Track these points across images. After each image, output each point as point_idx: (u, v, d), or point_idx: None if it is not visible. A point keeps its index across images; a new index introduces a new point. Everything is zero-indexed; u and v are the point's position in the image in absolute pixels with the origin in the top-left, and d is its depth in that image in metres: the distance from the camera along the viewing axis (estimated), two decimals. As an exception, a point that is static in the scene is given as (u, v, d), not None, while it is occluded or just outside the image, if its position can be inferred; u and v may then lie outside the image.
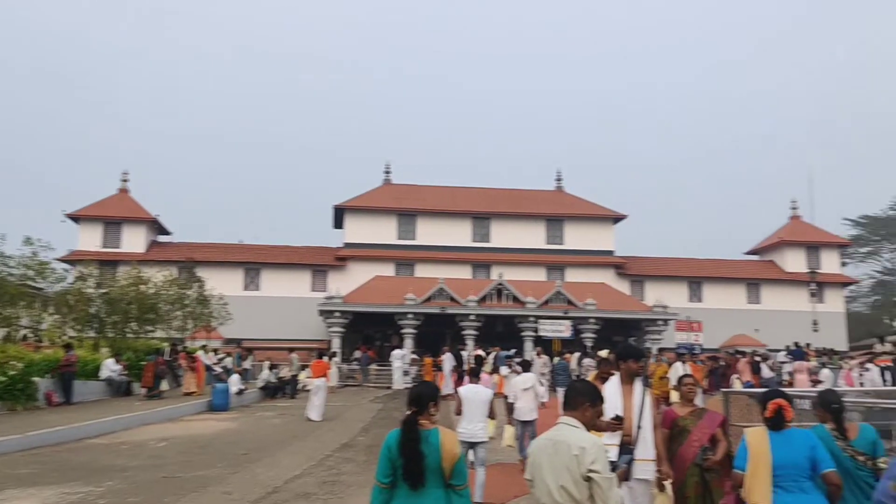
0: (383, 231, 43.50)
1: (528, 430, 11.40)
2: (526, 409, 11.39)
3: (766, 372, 22.17)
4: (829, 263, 46.82)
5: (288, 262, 42.27)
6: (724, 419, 6.35)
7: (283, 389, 26.15)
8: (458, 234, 44.06)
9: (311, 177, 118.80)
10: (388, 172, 47.49)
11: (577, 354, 26.92)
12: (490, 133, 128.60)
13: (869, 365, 21.46)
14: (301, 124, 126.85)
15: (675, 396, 18.91)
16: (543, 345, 33.37)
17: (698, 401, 17.81)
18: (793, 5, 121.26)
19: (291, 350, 29.55)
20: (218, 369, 25.77)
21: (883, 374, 21.03)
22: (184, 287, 30.11)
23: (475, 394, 8.96)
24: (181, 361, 24.75)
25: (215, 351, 28.10)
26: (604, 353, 12.76)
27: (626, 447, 5.59)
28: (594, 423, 3.91)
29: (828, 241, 47.72)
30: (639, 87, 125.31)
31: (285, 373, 27.29)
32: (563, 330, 34.42)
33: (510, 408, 11.63)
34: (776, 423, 4.70)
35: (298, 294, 41.08)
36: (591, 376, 8.45)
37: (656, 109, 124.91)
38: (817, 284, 42.47)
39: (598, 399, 3.88)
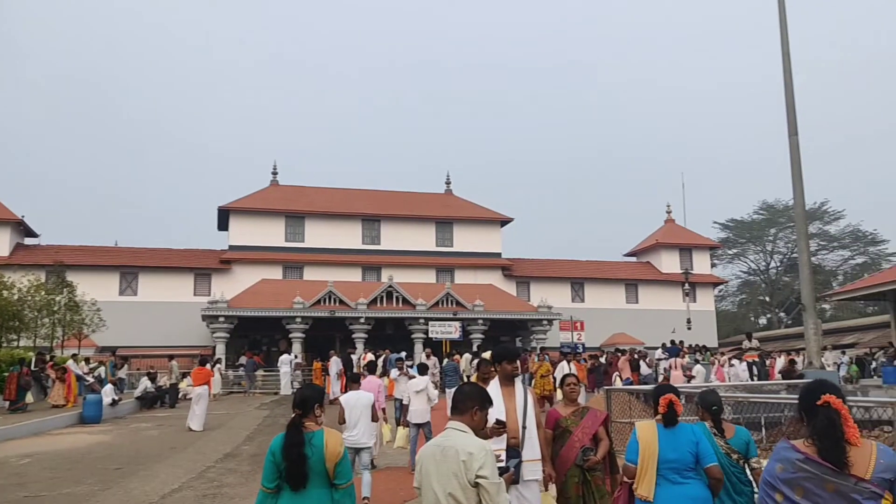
0: (270, 233, 42.45)
1: (423, 431, 11.52)
2: (419, 411, 11.55)
3: (644, 369, 23.14)
4: (701, 264, 49.51)
5: (168, 265, 40.47)
6: (607, 417, 6.31)
7: (163, 399, 25.02)
8: (348, 236, 43.62)
9: (195, 177, 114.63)
10: (275, 174, 46.43)
11: (467, 355, 27.17)
12: (380, 135, 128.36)
13: (734, 361, 22.82)
14: (186, 122, 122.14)
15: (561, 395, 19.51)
16: (433, 346, 33.51)
17: (582, 400, 18.33)
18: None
19: (171, 357, 28.33)
20: (90, 379, 24.33)
21: (750, 369, 22.36)
22: (52, 293, 28.30)
23: (357, 399, 8.99)
24: (49, 372, 23.19)
25: (87, 360, 26.52)
26: (487, 354, 12.97)
27: (514, 450, 5.49)
28: (483, 428, 3.88)
29: (699, 243, 50.44)
30: (529, 91, 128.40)
31: (164, 381, 26.12)
32: (452, 331, 34.74)
33: (404, 410, 11.75)
34: (670, 417, 4.79)
35: (180, 299, 39.45)
36: (472, 378, 8.50)
37: (544, 116, 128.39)
38: (690, 284, 44.76)
39: (486, 402, 3.81)
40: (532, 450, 5.59)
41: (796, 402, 3.23)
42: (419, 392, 11.55)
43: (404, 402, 11.86)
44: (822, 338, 24.75)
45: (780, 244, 63.27)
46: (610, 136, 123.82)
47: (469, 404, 3.75)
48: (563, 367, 17.15)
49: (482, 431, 4.77)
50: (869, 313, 49.71)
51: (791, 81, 22.52)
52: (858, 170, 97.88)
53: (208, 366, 20.26)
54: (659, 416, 4.86)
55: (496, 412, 5.37)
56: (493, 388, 5.68)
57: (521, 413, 5.61)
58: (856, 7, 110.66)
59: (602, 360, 24.85)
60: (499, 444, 5.39)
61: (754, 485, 4.95)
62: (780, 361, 23.69)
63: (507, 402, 5.64)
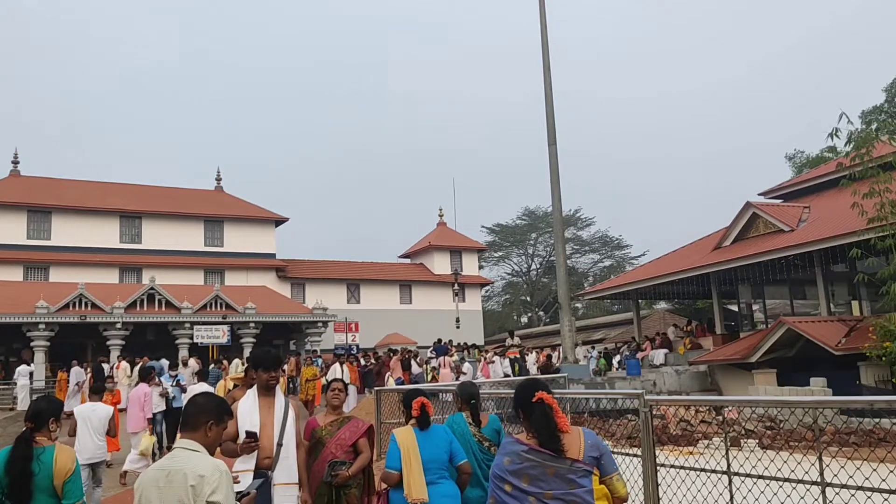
0: (9, 230, 37.74)
1: None
2: None
3: (415, 368, 23.59)
4: (470, 266, 51.79)
5: None
6: (370, 427, 5.79)
7: None
8: (104, 234, 40.01)
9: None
10: (16, 163, 41.43)
11: (236, 361, 25.96)
12: (147, 126, 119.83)
13: (495, 357, 24.05)
14: None
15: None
16: (200, 352, 31.70)
17: (353, 400, 18.03)
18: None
19: None
20: None
21: (512, 366, 23.62)
22: None
23: (92, 412, 8.22)
24: None
25: None
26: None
27: (264, 470, 4.86)
28: (229, 446, 3.44)
29: (469, 246, 52.76)
30: (304, 89, 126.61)
31: None
32: (220, 336, 33.08)
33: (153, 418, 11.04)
34: (424, 420, 4.95)
35: None
36: (222, 385, 7.92)
37: (321, 115, 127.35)
38: (460, 285, 46.65)
39: (224, 415, 3.29)
40: (287, 471, 4.97)
41: (556, 396, 3.55)
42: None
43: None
44: (575, 334, 26.84)
45: (540, 248, 67.90)
46: (388, 140, 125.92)
47: (202, 418, 3.21)
48: (336, 370, 16.90)
49: (233, 447, 4.33)
50: (615, 311, 54.94)
51: (551, 95, 24.11)
52: (607, 183, 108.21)
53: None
54: (413, 420, 4.97)
55: (250, 425, 4.85)
56: (250, 398, 5.13)
57: (279, 428, 5.00)
58: (617, 36, 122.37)
59: (372, 360, 24.91)
60: (247, 464, 4.78)
61: None
62: (531, 358, 25.26)
63: (263, 414, 5.02)
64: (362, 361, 23.33)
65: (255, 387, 5.22)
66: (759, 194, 30.09)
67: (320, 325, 38.67)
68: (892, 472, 3.69)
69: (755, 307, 29.74)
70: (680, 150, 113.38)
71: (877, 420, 12.12)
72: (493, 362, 23.29)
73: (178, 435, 3.28)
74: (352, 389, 18.83)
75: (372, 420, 9.47)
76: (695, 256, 27.66)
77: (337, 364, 17.91)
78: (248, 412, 4.99)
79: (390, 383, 19.60)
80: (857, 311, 24.33)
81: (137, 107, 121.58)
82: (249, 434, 4.66)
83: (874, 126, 37.18)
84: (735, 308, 31.09)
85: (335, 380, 6.09)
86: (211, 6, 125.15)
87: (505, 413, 10.61)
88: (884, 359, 17.13)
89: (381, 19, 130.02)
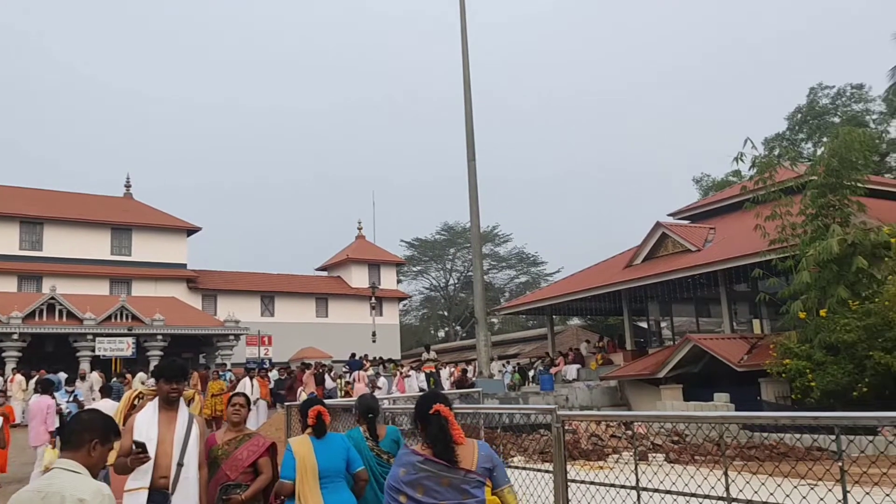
0: None
1: None
2: None
3: (329, 382, 23.21)
4: (388, 280, 51.55)
5: None
6: (273, 445, 5.45)
7: None
8: (2, 239, 37.86)
9: None
10: None
11: (141, 374, 24.95)
12: (55, 128, 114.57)
13: (411, 372, 23.96)
14: None
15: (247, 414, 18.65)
16: (102, 365, 30.30)
17: (263, 416, 17.51)
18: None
19: None
20: None
21: (428, 380, 23.54)
22: None
23: None
24: None
25: None
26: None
27: (160, 492, 4.45)
28: (121, 461, 3.16)
29: (387, 259, 52.52)
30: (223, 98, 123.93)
31: None
32: (124, 348, 31.72)
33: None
34: (320, 429, 4.99)
35: None
36: (126, 396, 7.49)
37: (236, 126, 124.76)
38: (377, 299, 46.33)
39: (111, 434, 3.02)
40: (186, 494, 4.54)
41: (466, 411, 3.92)
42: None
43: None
44: (490, 349, 27.00)
45: (458, 263, 68.28)
46: (307, 150, 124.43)
47: (86, 437, 2.93)
48: (246, 384, 16.40)
49: (124, 461, 4.04)
50: (530, 326, 55.71)
51: (471, 111, 24.31)
52: (523, 200, 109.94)
53: None
54: (310, 429, 5.01)
55: (145, 441, 4.43)
56: (149, 411, 4.74)
57: (180, 446, 4.59)
58: (529, 57, 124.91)
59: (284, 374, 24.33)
60: (141, 481, 4.36)
61: None
62: (445, 372, 25.28)
63: (162, 429, 4.61)
64: (271, 375, 22.76)
65: (156, 399, 4.85)
66: (669, 215, 31.15)
67: (232, 338, 37.62)
68: (795, 487, 3.78)
69: (663, 324, 30.69)
70: (594, 170, 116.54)
71: (780, 435, 12.60)
72: (408, 376, 23.20)
73: (58, 454, 3.01)
74: (262, 404, 18.33)
75: (282, 436, 9.19)
76: (607, 274, 28.34)
77: (247, 378, 17.38)
78: (145, 426, 4.60)
79: (302, 398, 19.16)
80: (759, 329, 25.40)
81: (41, 107, 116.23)
82: (138, 445, 4.25)
83: (776, 152, 39.18)
84: (645, 325, 31.99)
85: (236, 394, 5.69)
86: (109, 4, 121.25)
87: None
88: (783, 375, 17.89)
89: (299, 22, 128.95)
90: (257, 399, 18.18)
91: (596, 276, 29.37)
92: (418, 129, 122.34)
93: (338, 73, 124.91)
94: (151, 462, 4.41)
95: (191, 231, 44.15)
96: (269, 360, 32.36)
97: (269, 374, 22.48)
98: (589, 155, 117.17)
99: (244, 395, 5.81)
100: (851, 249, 17.30)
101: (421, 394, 4.98)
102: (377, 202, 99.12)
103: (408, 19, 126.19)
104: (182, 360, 5.19)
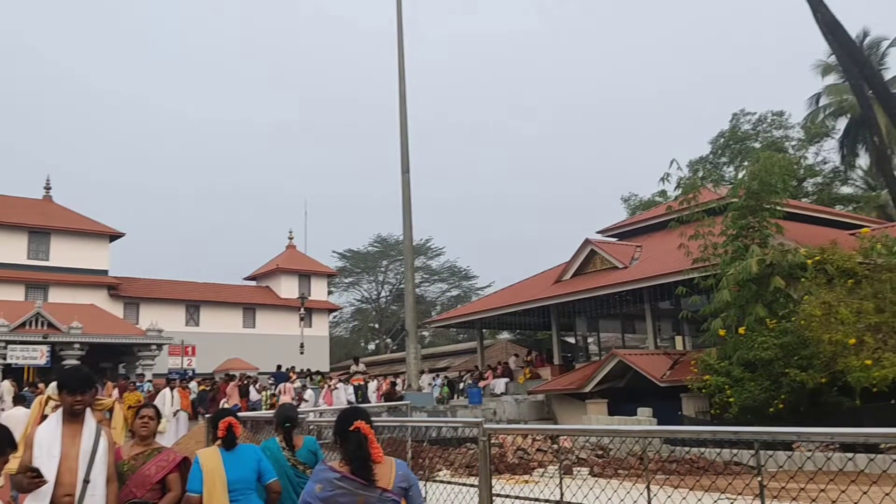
0: None
1: None
2: None
3: (254, 394, 22.73)
4: (319, 291, 50.94)
5: None
6: (184, 460, 5.11)
7: None
8: None
9: None
10: None
11: (54, 384, 23.88)
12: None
13: (339, 384, 23.71)
14: None
15: (163, 427, 18.06)
16: (14, 374, 28.90)
17: (184, 428, 16.98)
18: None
19: None
20: None
21: (356, 392, 23.30)
22: None
23: None
24: None
25: None
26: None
27: None
28: (19, 479, 2.94)
29: (318, 270, 51.91)
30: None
31: None
32: (38, 357, 30.39)
33: None
34: (229, 440, 4.96)
35: None
36: (37, 406, 7.10)
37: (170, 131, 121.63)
38: (307, 310, 45.71)
39: (5, 447, 2.82)
40: None
41: (393, 424, 3.90)
42: None
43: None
44: (420, 362, 26.92)
45: (390, 275, 68.02)
46: (238, 158, 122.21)
47: None
48: (165, 395, 15.88)
49: (20, 479, 3.81)
50: (461, 340, 55.87)
51: (406, 123, 24.33)
52: (455, 214, 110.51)
53: None
54: (219, 441, 4.97)
55: (47, 458, 4.14)
56: (52, 424, 4.39)
57: (87, 461, 4.28)
58: (460, 80, 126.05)
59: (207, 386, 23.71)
60: (41, 501, 4.04)
61: None
62: (373, 385, 25.10)
63: (66, 444, 4.27)
64: (192, 386, 22.11)
65: (60, 410, 4.47)
66: (598, 232, 31.78)
67: (154, 347, 36.46)
68: (716, 501, 3.85)
69: (591, 339, 31.19)
70: (525, 187, 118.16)
71: (701, 450, 12.92)
72: (336, 389, 22.92)
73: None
74: (182, 416, 17.80)
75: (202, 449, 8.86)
76: (537, 289, 28.66)
77: (167, 389, 16.83)
78: (47, 441, 4.26)
79: (226, 410, 18.70)
80: (681, 345, 26.09)
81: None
82: (32, 470, 3.96)
83: (700, 174, 40.52)
84: (573, 340, 32.46)
85: (144, 405, 5.39)
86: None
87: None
88: (703, 391, 18.39)
89: (247, 28, 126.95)
90: (177, 411, 17.64)
91: (526, 290, 29.68)
92: (355, 140, 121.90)
93: (278, 81, 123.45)
94: (51, 484, 4.10)
95: (114, 236, 42.73)
96: (193, 370, 31.47)
97: (190, 385, 21.83)
98: (521, 172, 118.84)
99: (153, 406, 5.47)
100: (769, 270, 17.95)
101: (350, 406, 4.93)
102: (310, 212, 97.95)
103: (347, 24, 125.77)
104: (87, 369, 4.85)
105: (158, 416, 5.36)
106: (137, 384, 19.91)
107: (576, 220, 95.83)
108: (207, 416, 13.17)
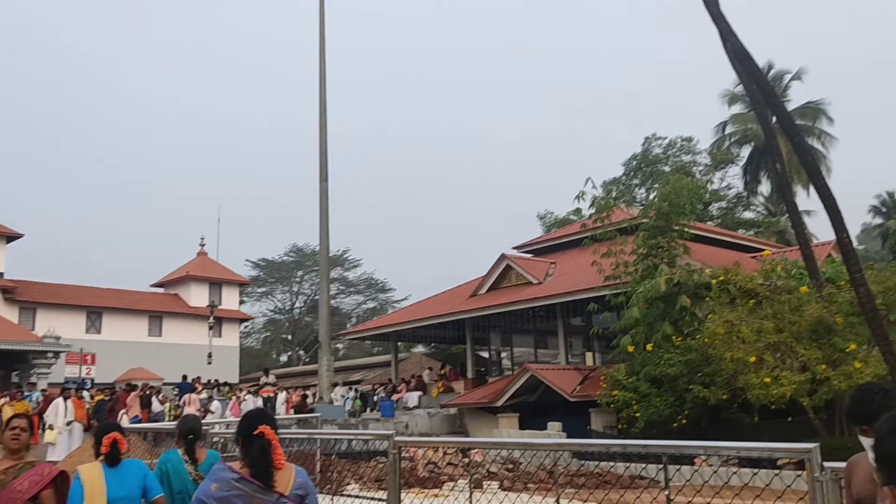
0: None
1: None
2: None
3: (156, 405, 21.86)
4: (230, 300, 49.59)
5: None
6: (61, 475, 4.79)
7: None
8: None
9: None
10: None
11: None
12: None
13: (248, 396, 23.10)
14: None
15: (53, 438, 17.02)
16: None
17: (78, 440, 16.07)
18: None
19: None
20: None
21: (265, 404, 22.69)
22: None
23: None
24: None
25: None
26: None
27: None
28: None
29: (230, 278, 50.57)
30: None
31: None
32: (-81, 363, 28.33)
33: None
34: (113, 456, 4.84)
35: None
36: None
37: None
38: (217, 319, 44.39)
39: None
40: None
41: (301, 436, 3.82)
42: None
43: None
44: (333, 374, 26.52)
45: (305, 286, 67.00)
46: (148, 160, 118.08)
47: None
48: (58, 405, 15.03)
49: None
50: (375, 353, 55.46)
51: (325, 131, 24.03)
52: (377, 226, 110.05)
53: None
54: (102, 456, 4.83)
55: None
56: None
57: None
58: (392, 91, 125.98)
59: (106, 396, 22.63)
60: None
61: None
62: (281, 397, 24.57)
63: None
64: (86, 395, 21.04)
65: None
66: (514, 248, 32.15)
67: (51, 355, 34.56)
68: (625, 514, 3.84)
69: (504, 354, 31.49)
70: (445, 201, 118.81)
71: (611, 464, 13.13)
72: (244, 401, 22.26)
73: None
74: (77, 427, 16.86)
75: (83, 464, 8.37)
76: (453, 303, 28.74)
77: (60, 399, 15.94)
78: None
79: (124, 421, 17.80)
80: (591, 361, 26.63)
81: None
82: None
83: (613, 194, 41.67)
84: (486, 354, 32.68)
85: (16, 416, 4.92)
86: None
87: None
88: (612, 406, 18.78)
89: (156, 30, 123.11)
90: (71, 422, 16.69)
91: (442, 304, 29.71)
92: (273, 145, 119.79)
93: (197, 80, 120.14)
94: None
95: (11, 237, 40.45)
96: (92, 380, 30.02)
97: (85, 395, 20.78)
98: (440, 186, 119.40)
99: (26, 417, 5.00)
100: (677, 289, 18.55)
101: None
102: (224, 219, 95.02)
103: (270, 18, 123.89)
104: None
105: (31, 427, 4.87)
106: (26, 393, 18.75)
107: (496, 233, 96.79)
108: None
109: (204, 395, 23.83)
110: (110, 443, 4.81)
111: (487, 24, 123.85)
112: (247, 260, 67.06)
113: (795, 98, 39.98)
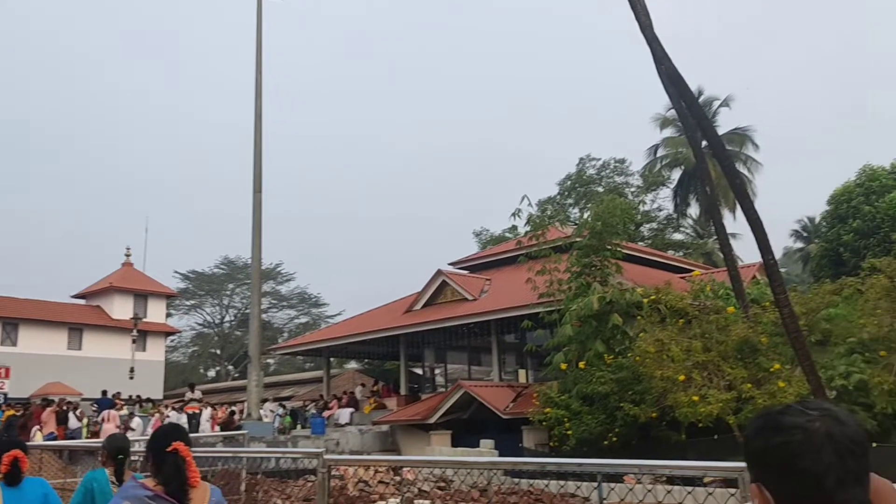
0: None
1: None
2: None
3: (73, 422, 20.90)
4: (157, 313, 48.04)
5: None
6: None
7: None
8: None
9: None
10: None
11: None
12: None
13: (171, 413, 22.34)
14: None
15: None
16: None
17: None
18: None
19: None
20: None
21: (190, 421, 21.98)
22: None
23: None
24: None
25: None
26: None
27: None
28: None
29: (157, 290, 49.03)
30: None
31: None
32: None
33: None
34: (14, 476, 4.69)
35: None
36: None
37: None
38: (141, 332, 42.91)
39: None
40: None
41: (226, 455, 3.65)
42: None
43: None
44: (263, 390, 25.88)
45: (236, 299, 65.61)
46: (71, 165, 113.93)
47: None
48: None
49: None
50: (307, 368, 54.52)
51: (260, 141, 23.62)
52: (311, 240, 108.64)
53: None
54: (1, 476, 4.67)
55: None
56: None
57: None
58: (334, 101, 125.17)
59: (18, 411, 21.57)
60: None
61: None
62: (206, 413, 23.89)
63: None
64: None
65: None
66: (450, 264, 32.12)
67: (-40, 368, 32.82)
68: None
69: (438, 370, 31.35)
70: (382, 213, 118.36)
71: (546, 482, 13.09)
72: (168, 417, 21.49)
73: None
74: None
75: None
76: (387, 318, 28.49)
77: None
78: None
79: (38, 438, 16.93)
80: (524, 378, 26.73)
81: None
82: None
83: (548, 213, 42.19)
84: (420, 371, 32.48)
85: None
86: None
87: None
88: (544, 423, 18.84)
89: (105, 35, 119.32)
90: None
91: (376, 319, 29.42)
92: (206, 153, 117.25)
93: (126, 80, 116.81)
94: None
95: (-80, 243, 38.40)
96: (5, 394, 28.55)
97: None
98: (378, 198, 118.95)
99: None
100: (609, 307, 18.79)
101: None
102: (152, 229, 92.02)
103: (209, 34, 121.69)
104: None
105: None
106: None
107: (433, 248, 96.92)
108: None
109: (125, 411, 22.92)
110: (10, 461, 4.62)
111: (424, 28, 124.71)
112: (175, 272, 65.10)
113: (724, 124, 41.33)
